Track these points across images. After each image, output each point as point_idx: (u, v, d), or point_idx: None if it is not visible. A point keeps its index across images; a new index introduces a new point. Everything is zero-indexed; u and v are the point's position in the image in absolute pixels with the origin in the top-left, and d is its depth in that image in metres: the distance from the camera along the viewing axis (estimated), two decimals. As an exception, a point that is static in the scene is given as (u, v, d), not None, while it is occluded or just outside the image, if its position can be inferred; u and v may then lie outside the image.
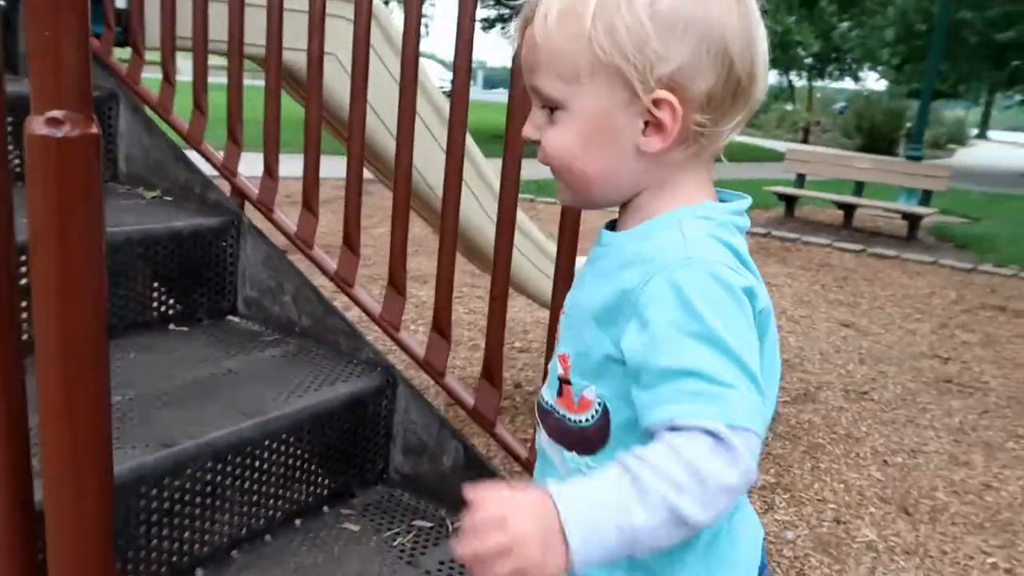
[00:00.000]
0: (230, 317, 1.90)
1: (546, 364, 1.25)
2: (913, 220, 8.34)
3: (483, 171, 2.66)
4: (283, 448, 1.45)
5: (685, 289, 0.71)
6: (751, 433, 0.67)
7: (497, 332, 1.53)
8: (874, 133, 19.69)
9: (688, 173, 0.82)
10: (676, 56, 0.74)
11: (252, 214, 1.94)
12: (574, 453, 0.84)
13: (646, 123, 0.77)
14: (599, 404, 0.81)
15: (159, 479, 1.25)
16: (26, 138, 0.60)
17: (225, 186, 2.00)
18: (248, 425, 1.39)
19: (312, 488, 1.53)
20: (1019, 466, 3.20)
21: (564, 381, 0.84)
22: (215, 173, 2.01)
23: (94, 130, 0.62)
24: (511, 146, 1.45)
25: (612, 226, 0.90)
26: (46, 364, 0.68)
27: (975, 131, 42.18)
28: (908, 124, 16.91)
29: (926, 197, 8.96)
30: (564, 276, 1.42)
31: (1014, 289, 6.36)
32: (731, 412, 0.67)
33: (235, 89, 1.91)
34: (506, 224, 1.49)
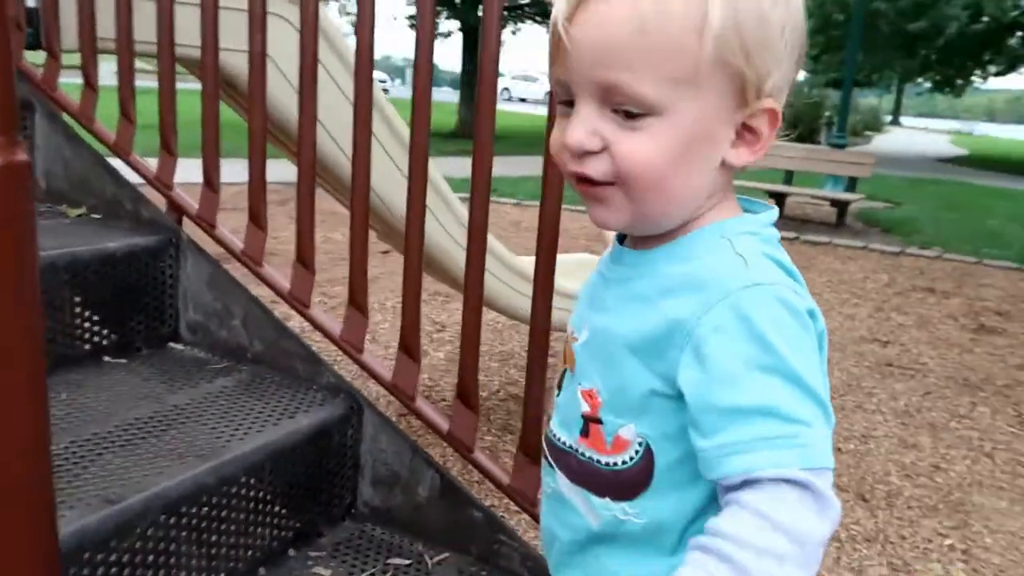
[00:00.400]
0: (172, 345, 1.74)
1: (526, 391, 1.18)
2: (841, 207, 8.57)
3: (434, 179, 2.54)
4: (242, 492, 1.31)
5: (754, 318, 0.63)
6: (829, 471, 0.62)
7: (471, 351, 1.42)
8: (796, 122, 20.27)
9: (728, 186, 0.75)
10: (783, 60, 0.68)
11: (191, 229, 1.78)
12: (607, 499, 0.75)
13: (736, 133, 0.69)
14: (640, 444, 0.72)
15: (104, 542, 1.10)
16: None
17: (160, 200, 1.83)
18: (202, 470, 1.24)
19: (275, 531, 1.40)
20: (963, 445, 3.28)
21: (592, 420, 0.75)
22: (147, 186, 1.84)
23: (22, 157, 0.49)
24: (480, 163, 1.35)
25: (621, 239, 0.81)
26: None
27: (889, 118, 44.05)
28: (827, 113, 17.45)
29: (852, 184, 9.23)
30: (544, 290, 1.33)
31: (939, 271, 6.59)
32: (810, 455, 0.61)
33: (166, 93, 1.74)
34: (477, 236, 1.39)
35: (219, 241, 1.71)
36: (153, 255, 1.69)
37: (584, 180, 0.69)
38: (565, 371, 0.83)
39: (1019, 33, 20.25)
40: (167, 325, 1.74)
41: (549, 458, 0.83)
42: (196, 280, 1.72)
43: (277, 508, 1.39)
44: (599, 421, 0.75)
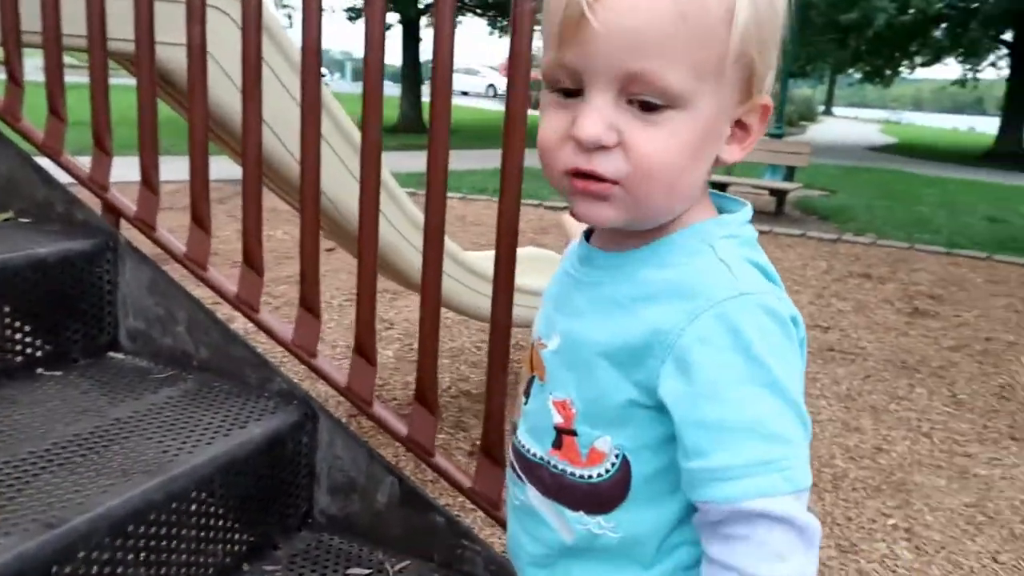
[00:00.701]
0: (112, 354, 1.65)
1: (487, 391, 1.15)
2: (780, 195, 8.77)
3: (382, 175, 2.47)
4: (193, 508, 1.25)
5: (742, 329, 0.62)
6: (808, 490, 0.62)
7: (429, 353, 1.39)
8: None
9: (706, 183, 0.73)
10: (777, 57, 0.67)
11: (129, 232, 1.70)
12: (581, 513, 0.73)
13: (730, 129, 0.68)
14: (617, 456, 0.70)
15: (44, 569, 1.03)
16: None
17: (95, 202, 1.74)
18: (150, 486, 1.18)
19: (228, 546, 1.34)
20: (903, 427, 3.39)
21: (565, 431, 0.72)
22: (80, 187, 1.74)
23: None
24: (434, 166, 1.31)
25: (588, 235, 0.78)
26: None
27: (822, 108, 45.29)
28: (764, 103, 17.80)
29: (790, 173, 9.45)
30: (504, 286, 1.30)
31: (874, 257, 6.80)
32: (795, 477, 0.61)
33: (99, 88, 1.65)
34: (434, 236, 1.35)
35: (160, 244, 1.63)
36: (88, 260, 1.61)
37: (586, 176, 0.64)
38: (533, 378, 0.79)
39: (943, 25, 21.03)
40: (105, 333, 1.65)
41: (518, 469, 0.80)
42: (136, 285, 1.64)
43: (230, 522, 1.34)
44: (573, 433, 0.72)
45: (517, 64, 1.24)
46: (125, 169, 1.80)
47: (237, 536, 1.35)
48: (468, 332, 4.24)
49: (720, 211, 0.74)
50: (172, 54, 1.70)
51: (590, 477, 0.71)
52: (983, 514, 2.67)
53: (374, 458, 1.43)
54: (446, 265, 2.60)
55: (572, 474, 0.73)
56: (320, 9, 1.39)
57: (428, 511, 1.39)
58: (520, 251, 3.94)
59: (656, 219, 0.69)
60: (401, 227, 2.34)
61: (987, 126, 30.49)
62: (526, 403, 0.80)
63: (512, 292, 1.31)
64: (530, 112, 1.25)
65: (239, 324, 2.16)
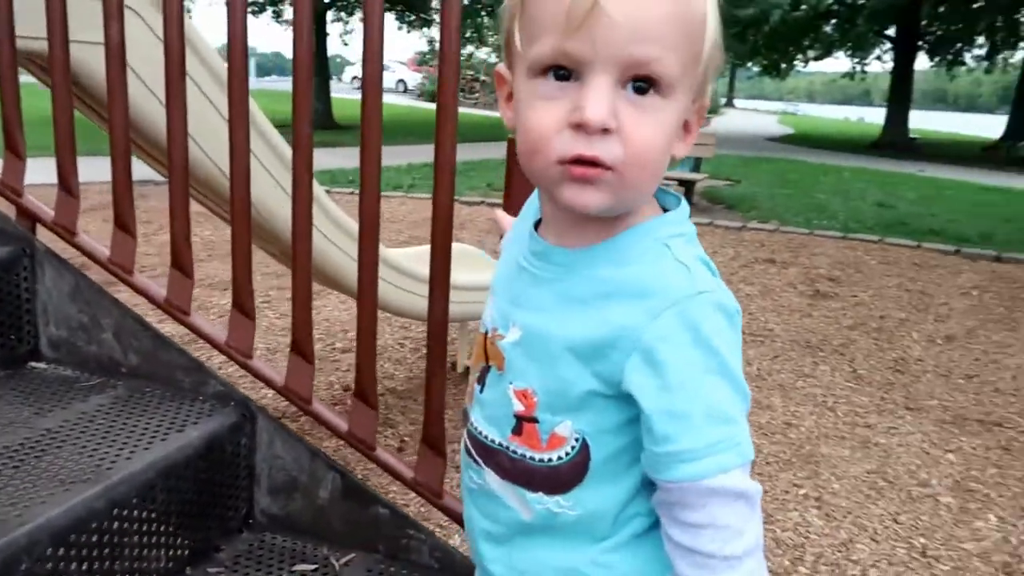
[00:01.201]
0: (33, 364, 1.60)
1: (427, 384, 1.18)
2: (689, 186, 9.06)
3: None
4: (135, 514, 1.24)
5: (701, 326, 0.68)
6: (752, 459, 0.70)
7: (368, 349, 1.41)
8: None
9: None
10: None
11: (48, 237, 1.64)
12: (540, 493, 0.77)
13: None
14: (576, 440, 0.74)
15: (-12, 582, 1.02)
16: None
17: (8, 207, 1.67)
18: (91, 494, 1.16)
19: (171, 551, 1.33)
20: (809, 402, 3.59)
21: (526, 419, 0.76)
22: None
23: None
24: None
25: (536, 226, 0.80)
26: None
27: (724, 100, 46.85)
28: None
29: (696, 164, 9.77)
30: (441, 282, 1.34)
31: (777, 243, 7.12)
32: (744, 450, 0.69)
33: (9, 88, 1.59)
34: (369, 233, 1.37)
35: (82, 249, 1.59)
36: (4, 268, 1.55)
37: (586, 162, 0.65)
38: (490, 368, 0.81)
39: (833, 21, 22.12)
40: (25, 343, 1.60)
41: (474, 455, 0.83)
42: (57, 292, 1.59)
43: (171, 527, 1.33)
44: (534, 420, 0.75)
45: (448, 60, 1.27)
46: (35, 172, 1.74)
47: (179, 540, 1.34)
48: (391, 330, 4.24)
49: (663, 209, 0.78)
50: (82, 55, 1.65)
51: (550, 460, 0.75)
52: (884, 479, 2.87)
53: (316, 455, 1.44)
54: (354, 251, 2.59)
55: (532, 458, 0.76)
56: (245, 9, 1.39)
57: (371, 504, 1.42)
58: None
59: (633, 205, 0.72)
60: (323, 226, 2.32)
61: (875, 116, 32.26)
62: (481, 392, 0.83)
63: (448, 288, 1.34)
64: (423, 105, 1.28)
65: (168, 329, 2.12)
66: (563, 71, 0.65)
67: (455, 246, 3.85)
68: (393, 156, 11.14)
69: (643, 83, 0.65)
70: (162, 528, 1.31)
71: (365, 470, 2.39)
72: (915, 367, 4.06)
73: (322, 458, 1.44)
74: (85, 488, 1.17)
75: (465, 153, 12.39)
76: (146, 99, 1.73)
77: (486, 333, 0.83)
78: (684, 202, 0.79)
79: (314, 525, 1.46)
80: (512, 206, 1.17)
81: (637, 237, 0.73)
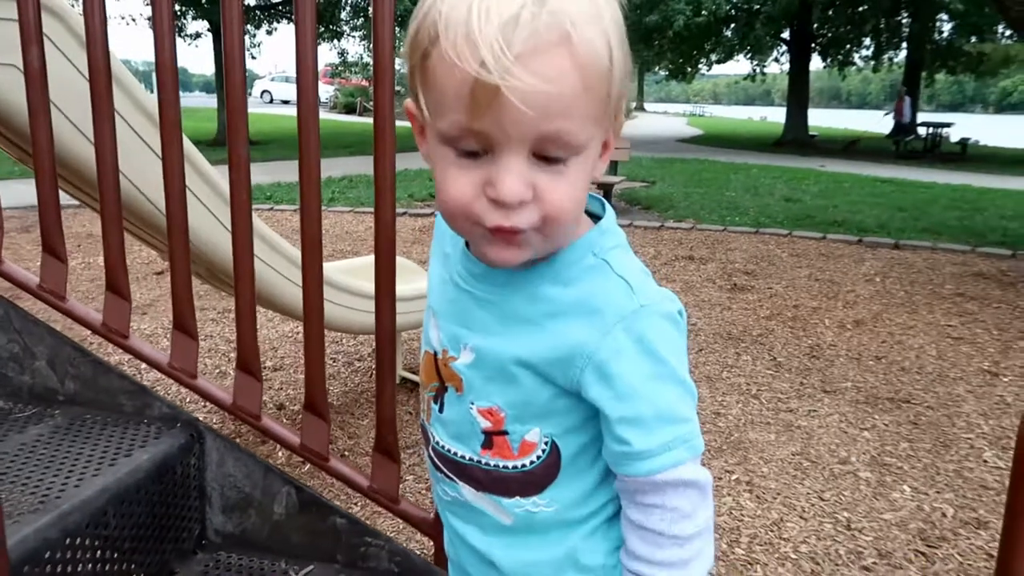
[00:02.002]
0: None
1: (378, 393, 1.17)
2: (607, 189, 9.26)
3: (216, 184, 2.38)
4: (87, 542, 1.22)
5: (648, 338, 0.72)
6: (702, 451, 0.76)
7: (317, 361, 1.43)
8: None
9: None
10: None
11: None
12: (517, 498, 0.81)
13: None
14: (546, 443, 0.79)
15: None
16: None
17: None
18: (43, 524, 1.14)
19: (125, 578, 1.31)
20: (735, 392, 3.74)
21: (495, 433, 0.79)
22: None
23: None
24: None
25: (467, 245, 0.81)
26: None
27: (634, 104, 47.99)
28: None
29: (613, 166, 10.01)
30: (386, 293, 1.36)
31: (695, 240, 7.37)
32: (695, 445, 0.75)
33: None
34: (312, 248, 1.39)
35: (8, 278, 1.54)
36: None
37: (506, 231, 0.67)
38: (447, 389, 0.83)
39: (732, 25, 23.02)
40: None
41: (446, 471, 0.85)
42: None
43: (126, 553, 1.31)
44: (504, 433, 0.79)
45: (382, 76, 1.30)
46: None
47: (133, 566, 1.32)
48: (332, 347, 4.20)
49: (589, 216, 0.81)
50: None
51: (524, 466, 0.80)
52: (807, 460, 3.02)
53: (269, 470, 1.44)
54: (288, 270, 2.58)
55: (506, 467, 0.80)
56: (173, 26, 1.39)
57: (328, 515, 1.43)
58: (366, 259, 3.96)
59: (555, 249, 0.74)
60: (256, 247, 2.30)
61: (777, 115, 33.67)
62: (441, 412, 0.84)
63: (394, 300, 1.36)
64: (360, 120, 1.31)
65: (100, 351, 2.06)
66: (474, 148, 0.66)
67: (401, 260, 3.86)
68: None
69: (558, 155, 0.66)
70: (116, 555, 1.28)
71: (312, 481, 2.38)
72: (828, 352, 4.28)
73: (276, 473, 1.45)
74: (35, 519, 1.15)
75: (383, 165, 12.28)
76: (64, 125, 1.69)
77: (435, 354, 0.84)
78: (608, 206, 0.82)
79: (270, 540, 1.46)
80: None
81: (576, 254, 0.75)
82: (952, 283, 5.83)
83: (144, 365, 3.31)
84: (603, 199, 0.84)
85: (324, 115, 29.56)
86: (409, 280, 3.19)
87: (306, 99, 1.33)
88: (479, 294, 0.79)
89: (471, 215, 0.68)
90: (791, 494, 2.76)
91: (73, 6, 1.93)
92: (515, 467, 0.80)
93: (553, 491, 0.81)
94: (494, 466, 0.81)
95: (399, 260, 3.69)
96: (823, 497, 2.74)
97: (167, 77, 1.33)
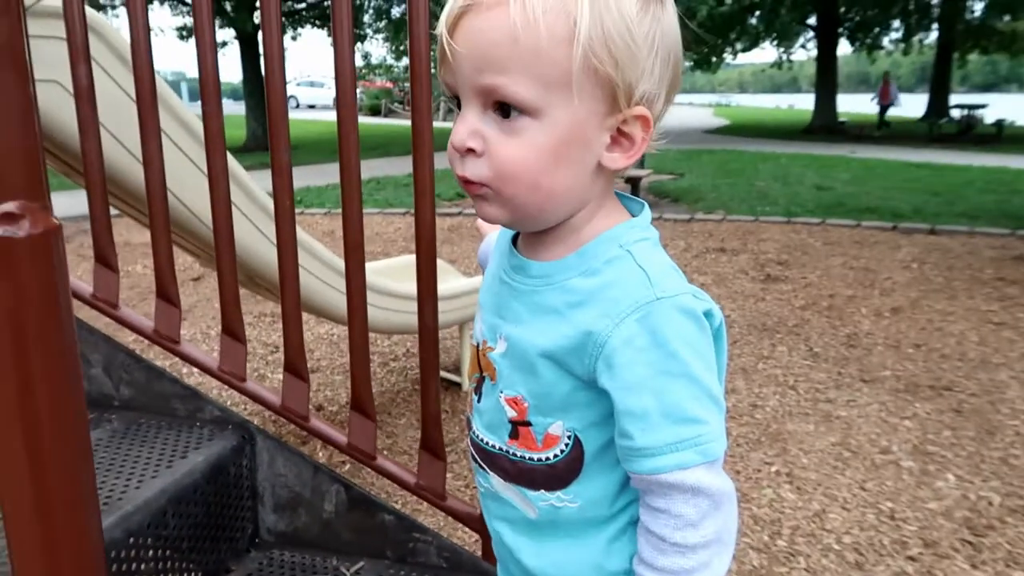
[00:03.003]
0: None
1: (422, 391, 1.19)
2: (635, 182, 9.23)
3: (260, 198, 2.44)
4: (149, 542, 1.26)
5: (661, 330, 0.71)
6: (721, 458, 0.74)
7: (362, 361, 1.46)
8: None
9: (611, 189, 0.80)
10: (655, 71, 0.73)
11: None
12: (542, 491, 0.82)
13: (611, 138, 0.74)
14: (569, 437, 0.79)
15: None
16: None
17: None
18: (108, 525, 1.18)
19: (186, 575, 1.36)
20: (771, 383, 3.71)
21: (520, 423, 0.81)
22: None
23: (56, 221, 0.48)
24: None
25: (514, 241, 0.85)
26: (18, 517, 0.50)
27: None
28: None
29: (641, 160, 9.95)
30: (428, 294, 1.39)
31: (725, 231, 7.31)
32: (707, 449, 0.72)
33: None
34: (355, 250, 1.42)
35: (63, 288, 1.59)
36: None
37: (464, 180, 0.74)
38: (484, 378, 0.86)
39: (757, 13, 22.76)
40: None
41: (479, 460, 0.88)
42: None
43: (183, 552, 1.35)
44: (528, 424, 0.80)
45: (419, 76, 1.32)
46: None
47: (192, 565, 1.37)
48: (358, 345, 4.24)
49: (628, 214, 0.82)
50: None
51: (547, 459, 0.80)
52: (848, 450, 3.00)
53: (318, 470, 1.48)
54: (332, 279, 2.62)
55: (531, 459, 0.81)
56: (214, 43, 1.43)
57: (377, 511, 1.46)
58: (398, 260, 3.99)
59: (538, 218, 0.76)
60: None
61: (804, 103, 33.20)
62: (479, 402, 0.87)
63: (436, 300, 1.39)
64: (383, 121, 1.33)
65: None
66: (456, 99, 0.74)
67: (407, 258, 3.90)
68: (334, 173, 11.09)
69: (503, 107, 0.70)
70: (175, 554, 1.33)
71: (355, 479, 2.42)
72: (866, 341, 4.23)
73: (325, 472, 1.48)
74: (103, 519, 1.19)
75: (408, 166, 12.33)
76: (110, 144, 1.73)
77: (478, 345, 0.87)
78: (646, 207, 0.83)
79: (320, 538, 1.49)
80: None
81: (603, 245, 0.77)
82: (992, 267, 5.73)
83: (185, 368, 3.40)
84: (644, 202, 0.84)
85: (350, 118, 29.67)
86: (443, 279, 3.22)
87: (346, 104, 1.36)
88: (516, 285, 0.81)
89: (452, 165, 0.75)
90: (832, 485, 2.74)
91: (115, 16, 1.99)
92: (539, 459, 0.81)
93: (577, 487, 0.81)
94: (520, 456, 0.82)
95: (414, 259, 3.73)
96: (865, 487, 2.72)
97: (210, 89, 1.37)
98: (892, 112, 22.84)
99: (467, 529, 1.46)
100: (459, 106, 0.74)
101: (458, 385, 3.60)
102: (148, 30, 1.41)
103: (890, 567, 2.25)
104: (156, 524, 1.27)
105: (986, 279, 5.42)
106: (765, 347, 4.19)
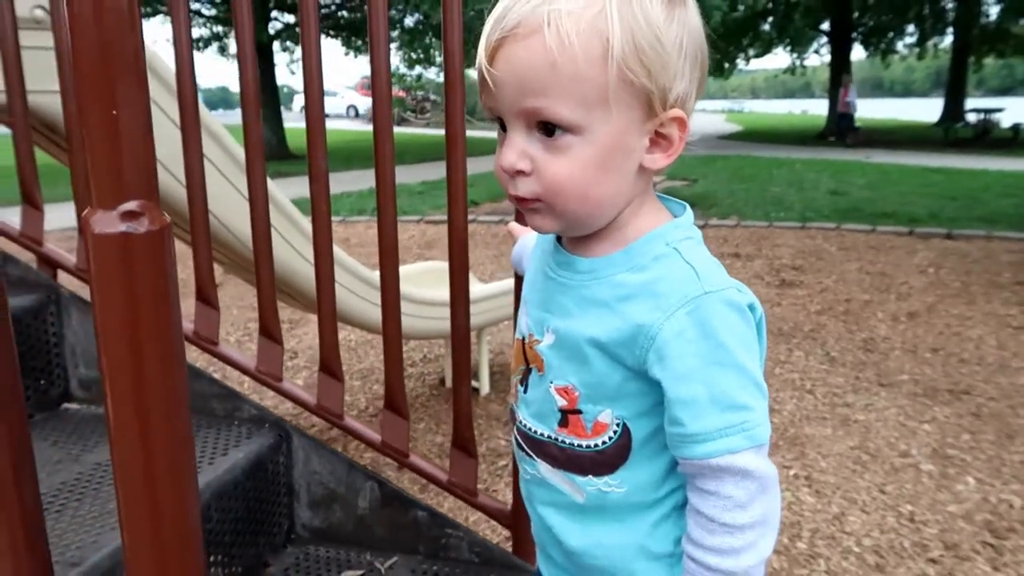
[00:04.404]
0: (67, 405, 1.65)
1: (454, 390, 1.22)
2: (649, 188, 9.26)
3: (283, 205, 2.49)
4: (194, 534, 1.31)
5: (709, 322, 0.75)
6: (767, 443, 0.77)
7: (395, 361, 1.50)
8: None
9: (650, 186, 0.84)
10: (686, 73, 0.77)
11: (69, 281, 1.70)
12: (590, 476, 0.85)
13: (650, 140, 0.78)
14: (618, 425, 0.83)
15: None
16: (92, 240, 0.49)
17: (28, 255, 1.72)
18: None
19: (226, 570, 1.40)
20: (789, 387, 3.72)
21: (570, 412, 0.84)
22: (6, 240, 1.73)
23: (167, 219, 0.53)
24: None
25: (558, 239, 0.88)
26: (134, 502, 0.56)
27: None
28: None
29: (654, 166, 9.99)
30: (460, 298, 1.43)
31: (740, 237, 7.32)
32: (755, 434, 0.76)
33: (24, 143, 1.65)
34: (389, 253, 1.46)
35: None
36: (33, 315, 1.60)
37: (516, 197, 0.78)
38: (531, 370, 0.90)
39: (770, 19, 22.77)
40: (57, 386, 1.65)
41: (526, 449, 0.91)
42: (83, 335, 1.64)
43: (224, 547, 1.39)
44: (578, 412, 0.84)
45: (453, 85, 1.36)
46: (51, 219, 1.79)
47: (233, 559, 1.41)
48: (375, 352, 4.29)
49: (671, 214, 0.86)
50: (49, 101, 1.70)
51: (596, 446, 0.84)
52: (867, 453, 3.01)
53: (353, 467, 1.52)
54: (358, 287, 2.67)
55: (580, 446, 0.84)
56: (255, 53, 1.48)
57: (409, 508, 1.50)
58: (415, 267, 4.03)
59: (588, 223, 0.80)
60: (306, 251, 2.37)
61: (817, 108, 33.10)
62: (525, 392, 0.91)
63: (468, 303, 1.43)
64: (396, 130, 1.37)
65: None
66: (500, 121, 0.77)
67: (425, 265, 3.93)
68: (354, 182, 11.16)
69: (546, 126, 0.74)
70: (218, 548, 1.37)
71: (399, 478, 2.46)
72: (883, 345, 4.24)
73: (359, 469, 1.52)
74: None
75: (421, 173, 12.46)
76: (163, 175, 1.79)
77: (523, 339, 0.91)
78: (688, 208, 0.88)
79: (355, 534, 1.53)
80: (522, 219, 1.27)
81: (650, 243, 0.81)
82: (1010, 272, 5.71)
83: (211, 368, 3.46)
84: (686, 204, 0.88)
85: (363, 126, 29.93)
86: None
87: (381, 114, 1.40)
88: (563, 280, 0.85)
89: (502, 183, 0.80)
90: (851, 488, 2.76)
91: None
92: (588, 446, 0.84)
93: (624, 472, 0.84)
94: (568, 444, 0.85)
95: (435, 265, 3.78)
96: (884, 490, 2.73)
97: (250, 99, 1.42)
98: (907, 116, 22.73)
99: (496, 526, 1.50)
100: (503, 128, 0.78)
101: (476, 390, 3.64)
102: (191, 46, 1.47)
103: (911, 569, 2.27)
104: (202, 518, 1.31)
105: (1004, 283, 5.41)
106: (782, 352, 4.20)
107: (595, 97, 0.73)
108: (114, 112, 0.47)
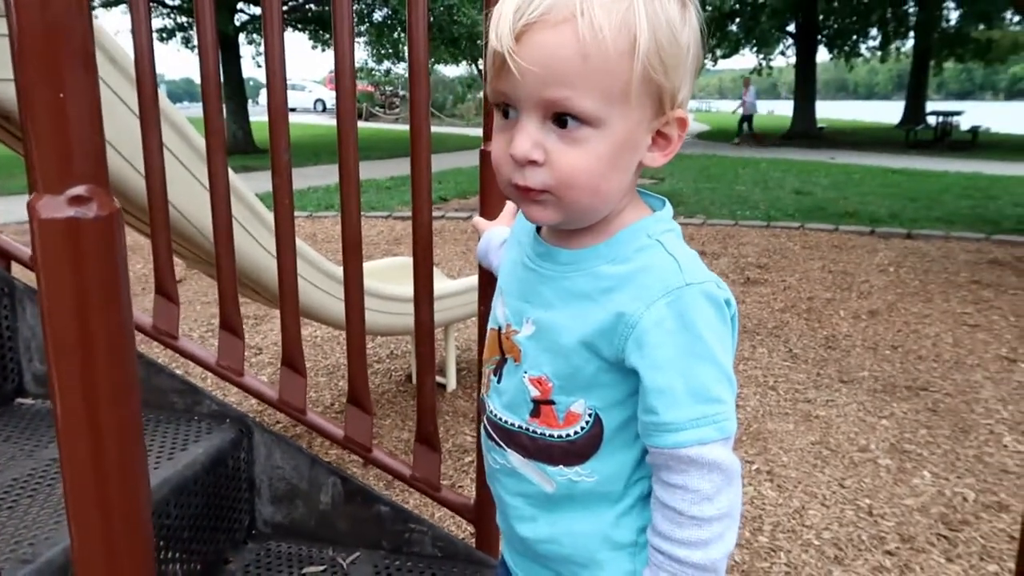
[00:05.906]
0: (21, 400, 1.62)
1: (418, 386, 1.21)
2: (617, 186, 9.31)
3: (247, 199, 2.45)
4: (152, 531, 1.29)
5: (688, 314, 0.76)
6: (733, 436, 0.79)
7: (359, 355, 1.49)
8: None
9: (635, 183, 0.84)
10: (691, 74, 0.78)
11: (23, 273, 1.66)
12: (560, 466, 0.86)
13: (651, 138, 0.79)
14: (590, 415, 0.83)
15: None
16: (38, 225, 0.48)
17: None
18: (112, 516, 1.21)
19: (185, 566, 1.38)
20: (752, 384, 3.77)
21: (543, 402, 0.85)
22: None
23: (116, 205, 0.51)
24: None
25: (537, 230, 0.88)
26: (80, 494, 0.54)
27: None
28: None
29: (622, 164, 10.04)
30: (424, 293, 1.42)
31: (706, 235, 7.39)
32: (724, 426, 0.77)
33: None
34: (353, 249, 1.45)
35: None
36: (-17, 307, 1.57)
37: (522, 188, 0.77)
38: (507, 360, 0.90)
39: (737, 20, 23.02)
40: (10, 381, 1.61)
41: (496, 439, 0.91)
42: (39, 328, 1.61)
43: (183, 543, 1.37)
44: (551, 402, 0.84)
45: (418, 80, 1.36)
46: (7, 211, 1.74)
47: (192, 556, 1.39)
48: (342, 348, 4.26)
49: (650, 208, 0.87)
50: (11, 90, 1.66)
51: (567, 436, 0.84)
52: (827, 448, 3.06)
53: (316, 462, 1.51)
54: (322, 282, 2.65)
55: (551, 435, 0.85)
56: (217, 47, 1.46)
57: (373, 503, 1.49)
58: (381, 263, 4.01)
59: (588, 217, 0.80)
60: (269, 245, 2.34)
61: (784, 109, 33.56)
62: (499, 382, 0.91)
63: (432, 298, 1.42)
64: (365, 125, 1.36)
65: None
66: (507, 107, 0.76)
67: (392, 260, 3.91)
68: (319, 176, 11.05)
69: (564, 118, 0.73)
70: (177, 544, 1.35)
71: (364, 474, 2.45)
72: (844, 342, 4.32)
73: (321, 464, 1.51)
74: (104, 510, 1.21)
75: (389, 169, 12.39)
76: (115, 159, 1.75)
77: (499, 329, 0.92)
78: (667, 203, 0.88)
79: (317, 529, 1.52)
80: (487, 213, 1.27)
81: (632, 236, 0.82)
82: (967, 271, 5.85)
83: (183, 364, 3.40)
84: (665, 199, 0.89)
85: (331, 120, 29.60)
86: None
87: (345, 107, 1.39)
88: (543, 272, 0.86)
89: (503, 172, 0.78)
90: (812, 482, 2.80)
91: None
92: (559, 436, 0.85)
93: (595, 463, 0.85)
94: (540, 434, 0.86)
95: (402, 260, 3.77)
96: (844, 484, 2.78)
97: (211, 90, 1.40)
98: (870, 118, 23.19)
99: (461, 521, 1.50)
100: (506, 114, 0.77)
101: (443, 386, 3.64)
102: (151, 36, 1.44)
103: (868, 561, 2.31)
104: (159, 513, 1.30)
105: (961, 282, 5.54)
106: (746, 348, 4.25)
107: (619, 92, 0.73)
108: (61, 95, 0.46)
